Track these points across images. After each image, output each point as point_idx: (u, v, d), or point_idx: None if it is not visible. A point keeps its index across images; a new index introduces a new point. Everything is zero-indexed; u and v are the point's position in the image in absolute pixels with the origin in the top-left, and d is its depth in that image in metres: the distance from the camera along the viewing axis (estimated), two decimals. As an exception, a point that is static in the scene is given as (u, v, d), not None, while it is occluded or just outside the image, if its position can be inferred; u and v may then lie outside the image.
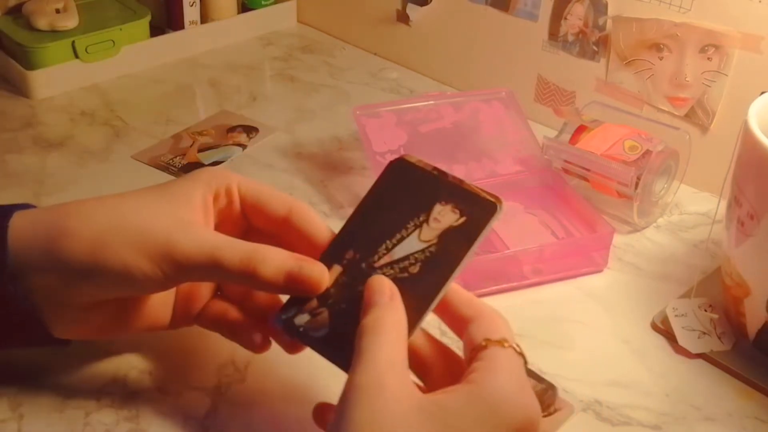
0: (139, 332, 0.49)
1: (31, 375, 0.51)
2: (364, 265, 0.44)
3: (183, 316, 0.49)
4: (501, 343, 0.40)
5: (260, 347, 0.48)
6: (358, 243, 0.45)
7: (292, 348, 0.47)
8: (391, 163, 0.47)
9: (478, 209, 0.43)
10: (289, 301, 0.45)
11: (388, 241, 0.44)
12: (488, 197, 0.43)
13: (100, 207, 0.44)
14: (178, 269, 0.42)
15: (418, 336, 0.43)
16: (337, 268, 0.44)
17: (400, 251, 0.44)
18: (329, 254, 0.45)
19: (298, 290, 0.43)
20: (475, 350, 0.40)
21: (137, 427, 0.48)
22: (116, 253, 0.42)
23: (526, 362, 0.41)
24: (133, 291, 0.44)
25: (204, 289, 0.50)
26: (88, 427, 0.48)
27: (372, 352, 0.38)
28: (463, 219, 0.43)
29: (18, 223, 0.44)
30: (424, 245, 0.43)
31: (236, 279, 0.43)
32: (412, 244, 0.44)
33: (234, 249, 0.42)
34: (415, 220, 0.44)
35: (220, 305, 0.49)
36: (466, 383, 0.38)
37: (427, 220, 0.44)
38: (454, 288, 0.43)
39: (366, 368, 0.37)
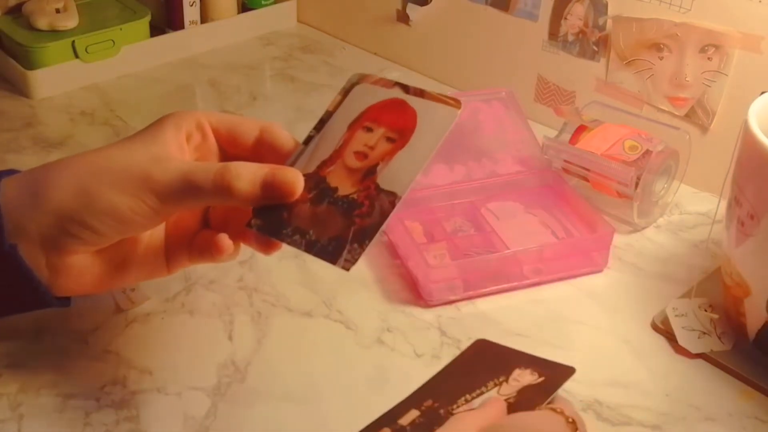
0: (140, 280, 0.50)
1: (31, 375, 0.51)
2: (442, 411, 0.46)
3: (176, 255, 0.50)
4: (555, 409, 0.41)
5: (227, 249, 0.48)
6: (438, 395, 0.49)
7: (267, 247, 0.48)
8: (475, 344, 0.54)
9: (555, 372, 0.48)
10: (259, 210, 0.46)
11: (468, 395, 0.47)
12: (564, 364, 0.49)
13: (77, 160, 0.46)
14: (160, 199, 0.44)
15: None
16: (415, 413, 0.47)
17: (479, 401, 0.47)
18: (409, 400, 0.49)
19: (276, 197, 0.45)
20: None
21: (137, 427, 0.48)
22: (102, 196, 0.44)
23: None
24: (126, 229, 0.45)
25: (190, 225, 0.51)
26: (88, 427, 0.48)
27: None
28: (541, 379, 0.48)
29: (5, 188, 0.46)
30: (503, 398, 0.46)
31: (214, 198, 0.45)
32: (490, 396, 0.47)
33: (206, 169, 0.44)
34: (495, 379, 0.48)
35: (205, 233, 0.50)
36: None
37: (507, 380, 0.48)
38: None
39: None
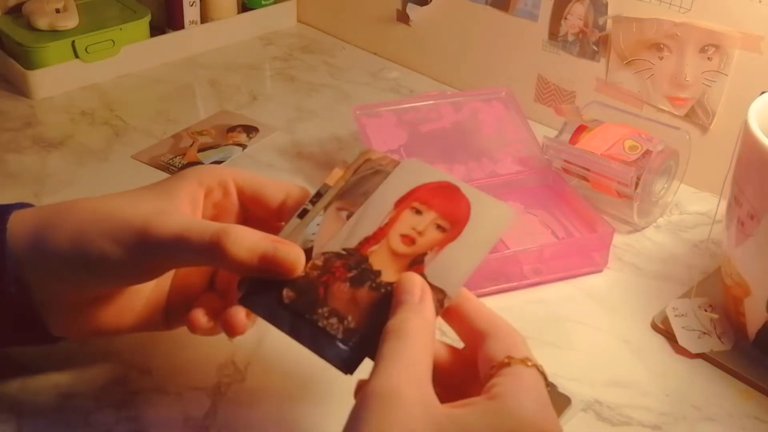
0: (136, 331, 0.49)
1: (31, 375, 0.51)
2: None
3: (177, 313, 0.49)
4: (524, 361, 0.39)
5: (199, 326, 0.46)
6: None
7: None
8: None
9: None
10: (252, 281, 0.43)
11: None
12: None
13: (86, 203, 0.45)
14: (150, 252, 0.42)
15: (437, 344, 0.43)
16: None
17: None
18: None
19: (273, 272, 0.42)
20: (496, 367, 0.39)
21: (137, 427, 0.48)
22: (94, 242, 0.43)
23: (547, 383, 0.40)
24: (115, 280, 0.45)
25: (195, 285, 0.49)
26: (88, 427, 0.48)
27: (393, 358, 0.37)
28: None
29: (14, 224, 0.45)
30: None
31: (207, 259, 0.42)
32: None
33: (204, 228, 0.42)
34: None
35: (209, 297, 0.48)
36: (488, 398, 0.37)
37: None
38: (471, 300, 0.43)
39: (385, 375, 0.36)
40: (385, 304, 0.41)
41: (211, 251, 0.41)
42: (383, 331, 0.39)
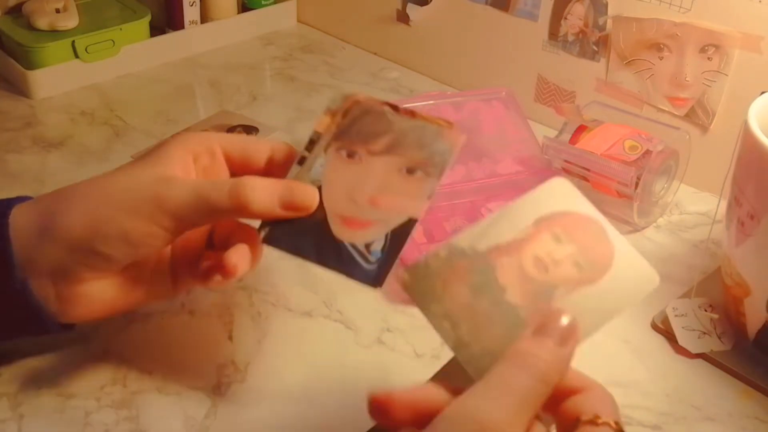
0: (147, 303, 0.49)
1: (31, 375, 0.51)
2: None
3: (182, 276, 0.50)
4: (611, 424, 0.36)
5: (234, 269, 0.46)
6: None
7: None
8: None
9: None
10: (271, 223, 0.46)
11: None
12: None
13: (87, 187, 0.46)
14: (173, 219, 0.44)
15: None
16: None
17: None
18: None
19: (291, 214, 0.45)
20: (584, 424, 0.36)
21: (137, 427, 0.48)
22: (112, 221, 0.43)
23: None
24: (137, 252, 0.45)
25: (195, 244, 0.50)
26: (88, 427, 0.48)
27: (509, 387, 0.35)
28: None
29: (17, 216, 0.45)
30: None
31: (230, 213, 0.44)
32: None
33: (219, 185, 0.44)
34: None
35: (210, 255, 0.49)
36: None
37: None
38: None
39: (495, 403, 0.34)
40: (506, 325, 0.39)
41: (234, 205, 0.43)
42: (509, 350, 0.37)
